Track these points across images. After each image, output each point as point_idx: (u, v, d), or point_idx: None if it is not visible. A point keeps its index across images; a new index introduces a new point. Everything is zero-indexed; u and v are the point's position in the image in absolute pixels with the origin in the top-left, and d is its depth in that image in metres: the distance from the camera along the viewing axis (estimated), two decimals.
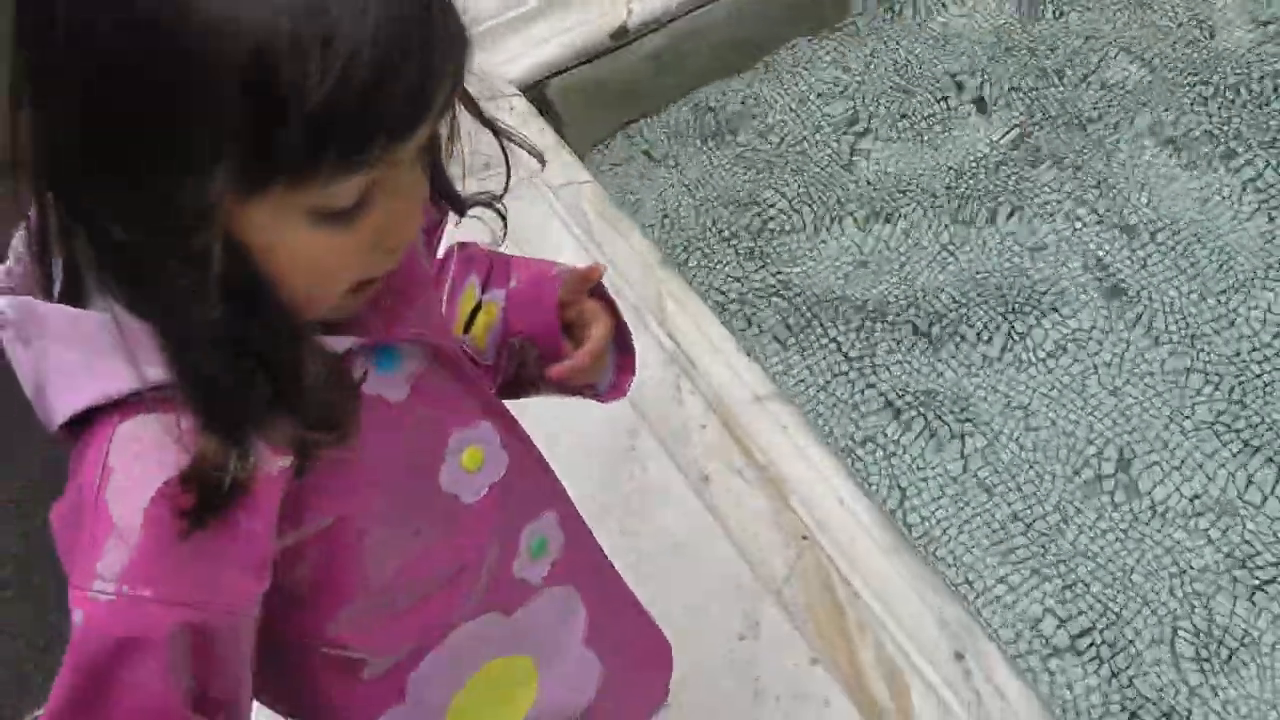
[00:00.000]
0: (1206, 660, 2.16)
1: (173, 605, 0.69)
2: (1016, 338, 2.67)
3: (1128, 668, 2.18)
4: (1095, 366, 2.60)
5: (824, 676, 1.90)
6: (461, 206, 0.92)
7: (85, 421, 0.71)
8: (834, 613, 1.98)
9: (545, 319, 1.05)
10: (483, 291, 1.06)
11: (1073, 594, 2.28)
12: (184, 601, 0.69)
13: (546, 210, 2.83)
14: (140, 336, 0.68)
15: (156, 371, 0.69)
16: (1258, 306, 2.64)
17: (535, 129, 3.10)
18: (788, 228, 2.99)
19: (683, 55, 3.41)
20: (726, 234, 3.02)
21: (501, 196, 0.96)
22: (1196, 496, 2.40)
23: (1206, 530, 2.33)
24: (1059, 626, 2.23)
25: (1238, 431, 2.45)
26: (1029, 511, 2.40)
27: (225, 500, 0.69)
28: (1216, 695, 2.12)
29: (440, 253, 1.05)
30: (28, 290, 0.73)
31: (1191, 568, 2.28)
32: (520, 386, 1.11)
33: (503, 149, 0.89)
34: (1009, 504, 2.42)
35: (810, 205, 3.03)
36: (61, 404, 0.70)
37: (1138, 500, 2.40)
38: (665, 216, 3.10)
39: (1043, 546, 2.35)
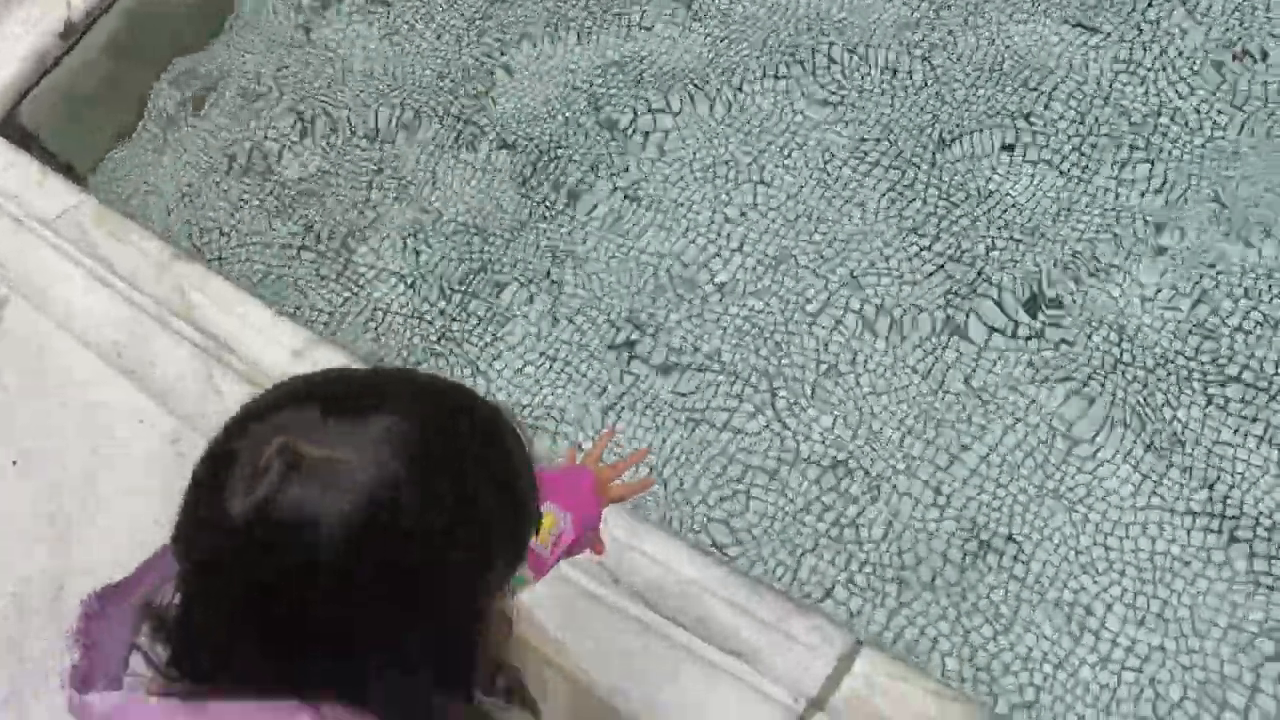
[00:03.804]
0: (798, 405, 2.33)
1: None
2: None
3: (736, 432, 2.32)
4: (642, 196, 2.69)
5: None
6: None
7: None
8: None
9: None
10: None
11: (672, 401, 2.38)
12: None
13: (44, 248, 2.65)
14: None
15: None
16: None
17: (16, 164, 2.89)
18: (296, 164, 2.91)
19: (143, 34, 3.21)
20: (243, 197, 2.92)
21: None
22: (757, 269, 2.53)
23: (776, 291, 2.48)
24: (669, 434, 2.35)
25: (776, 208, 2.61)
26: (614, 334, 2.48)
27: None
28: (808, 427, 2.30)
29: None
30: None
31: (763, 326, 2.43)
32: None
33: None
34: (597, 331, 2.49)
35: (314, 134, 2.95)
36: None
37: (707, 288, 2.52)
38: (184, 200, 2.96)
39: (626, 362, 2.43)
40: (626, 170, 2.72)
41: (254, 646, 0.86)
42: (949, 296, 2.41)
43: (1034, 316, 2.36)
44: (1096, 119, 2.58)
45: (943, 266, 2.46)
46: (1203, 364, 2.26)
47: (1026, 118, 2.60)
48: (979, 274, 2.43)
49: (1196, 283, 2.34)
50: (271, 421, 0.83)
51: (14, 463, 2.33)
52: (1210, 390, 2.23)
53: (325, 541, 0.80)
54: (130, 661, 0.90)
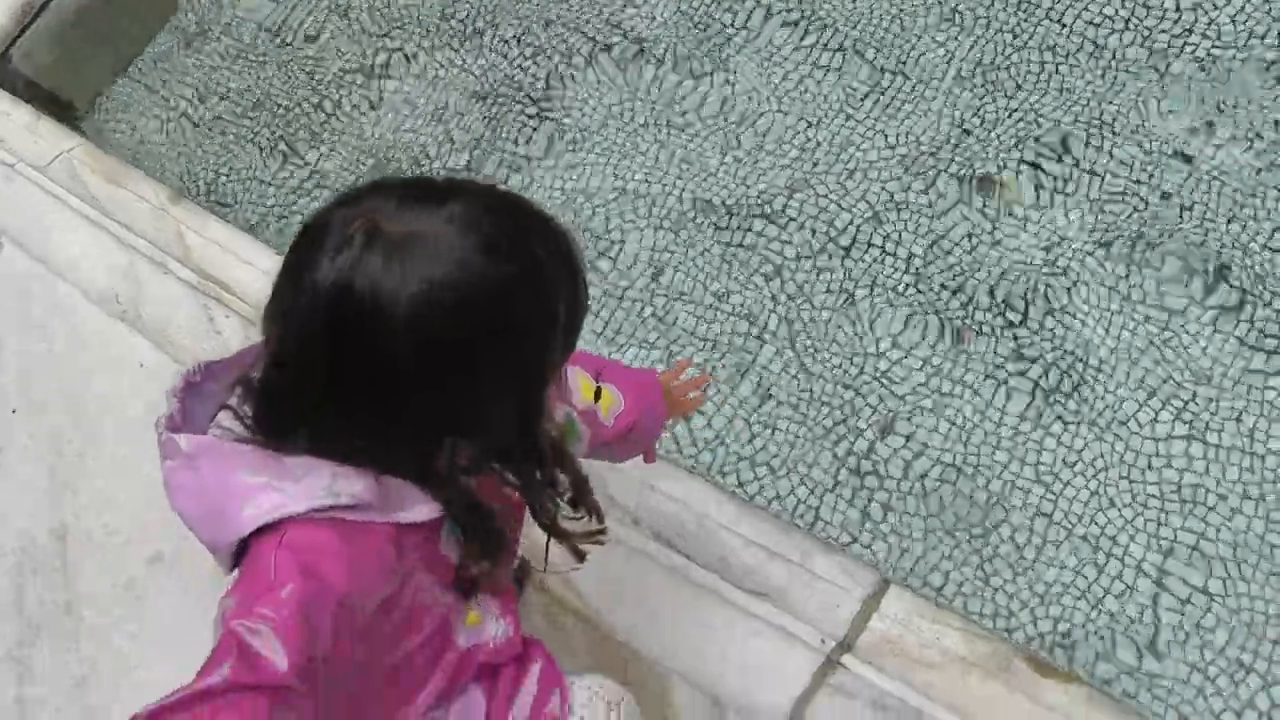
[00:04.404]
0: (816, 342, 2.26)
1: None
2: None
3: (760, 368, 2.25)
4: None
5: None
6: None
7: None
8: None
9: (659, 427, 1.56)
10: (597, 380, 1.38)
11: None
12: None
13: (38, 194, 2.58)
14: (353, 474, 0.96)
15: (349, 496, 0.96)
16: None
17: (5, 110, 2.81)
18: (299, 113, 2.82)
19: None
20: (242, 137, 2.83)
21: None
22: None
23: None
24: None
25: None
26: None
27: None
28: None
29: None
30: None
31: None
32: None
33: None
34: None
35: (310, 85, 2.86)
36: (255, 515, 0.94)
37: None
38: (182, 141, 2.88)
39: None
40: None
41: (332, 417, 0.94)
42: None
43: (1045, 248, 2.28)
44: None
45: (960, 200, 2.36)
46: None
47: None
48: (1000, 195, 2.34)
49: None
50: (356, 206, 0.92)
51: (13, 411, 2.27)
52: (1241, 323, 2.15)
53: (405, 307, 0.88)
54: (218, 417, 1.00)
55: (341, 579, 0.93)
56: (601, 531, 1.19)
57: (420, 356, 0.90)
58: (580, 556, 1.18)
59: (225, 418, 1.00)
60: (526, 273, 0.94)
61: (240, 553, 0.97)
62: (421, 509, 1.01)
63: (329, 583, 0.93)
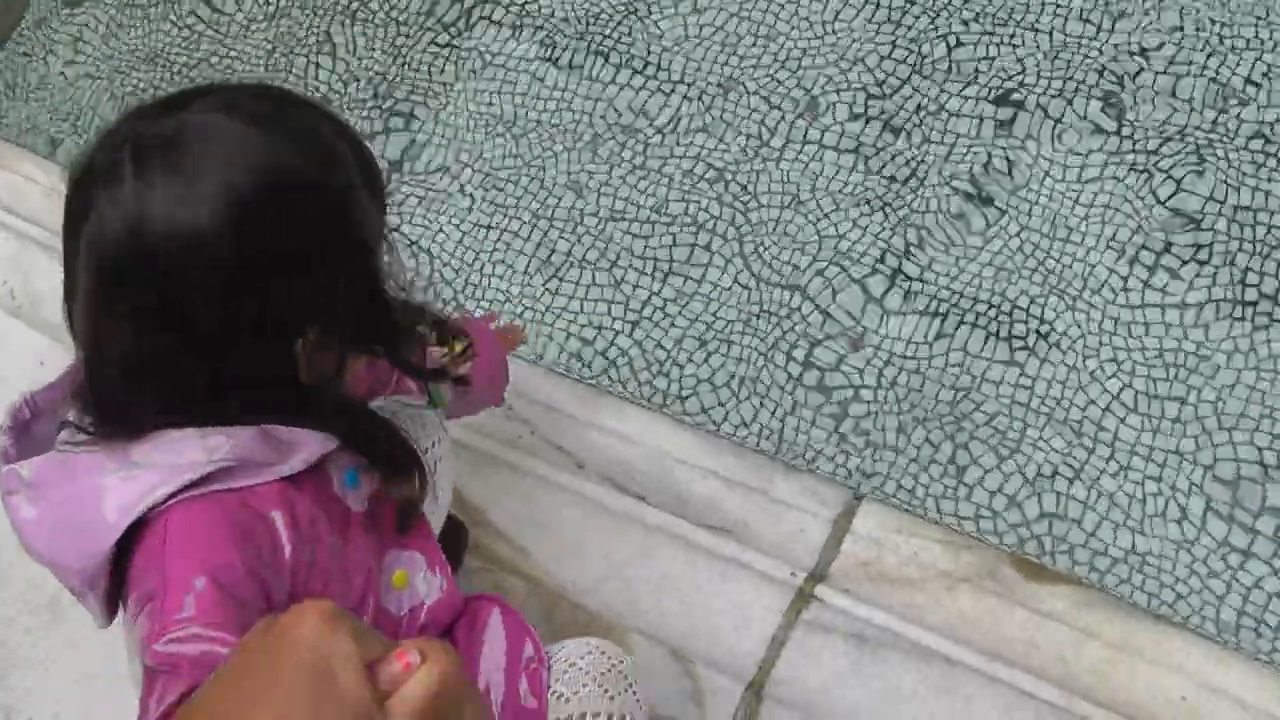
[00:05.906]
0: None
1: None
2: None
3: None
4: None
5: None
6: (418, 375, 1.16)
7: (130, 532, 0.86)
8: None
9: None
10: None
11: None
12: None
13: None
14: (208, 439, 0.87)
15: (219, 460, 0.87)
16: None
17: None
18: (192, 60, 2.62)
19: None
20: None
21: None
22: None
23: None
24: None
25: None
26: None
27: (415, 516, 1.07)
28: None
29: None
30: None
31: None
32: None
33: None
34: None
35: (207, 33, 2.65)
36: (122, 508, 0.84)
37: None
38: (79, 118, 2.68)
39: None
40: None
41: (173, 371, 0.86)
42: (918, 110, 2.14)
43: (999, 105, 2.10)
44: None
45: (909, 79, 2.17)
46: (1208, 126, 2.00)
47: None
48: (948, 74, 2.15)
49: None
50: (114, 135, 0.85)
51: None
52: (1222, 148, 1.97)
53: (216, 224, 0.81)
54: (60, 436, 0.92)
55: (239, 554, 0.84)
56: (470, 345, 1.20)
57: (245, 267, 0.83)
58: (466, 381, 1.21)
59: (67, 435, 0.91)
60: (308, 139, 0.88)
61: (118, 588, 0.87)
62: (306, 450, 0.92)
63: (233, 557, 0.84)
